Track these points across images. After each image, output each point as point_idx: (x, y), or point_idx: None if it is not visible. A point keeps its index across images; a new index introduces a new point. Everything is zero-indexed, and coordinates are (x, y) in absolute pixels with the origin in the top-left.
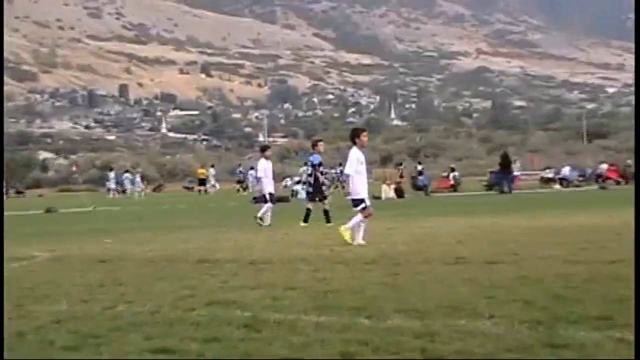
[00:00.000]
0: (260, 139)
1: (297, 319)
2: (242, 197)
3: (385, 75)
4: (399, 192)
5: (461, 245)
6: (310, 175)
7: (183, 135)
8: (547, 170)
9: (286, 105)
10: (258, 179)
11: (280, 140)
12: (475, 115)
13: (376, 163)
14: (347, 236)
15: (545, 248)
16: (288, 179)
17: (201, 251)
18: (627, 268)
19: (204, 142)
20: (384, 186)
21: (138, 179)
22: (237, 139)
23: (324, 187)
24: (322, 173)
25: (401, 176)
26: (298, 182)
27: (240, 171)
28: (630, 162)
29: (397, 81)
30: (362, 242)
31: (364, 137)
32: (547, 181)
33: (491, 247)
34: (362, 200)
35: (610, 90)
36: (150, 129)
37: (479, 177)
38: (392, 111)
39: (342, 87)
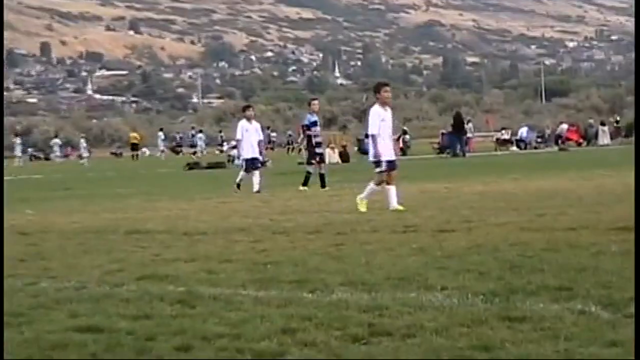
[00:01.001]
0: (194, 100)
1: (234, 293)
2: (178, 163)
3: (328, 31)
4: (344, 156)
5: (410, 212)
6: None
7: (110, 97)
8: (503, 132)
9: (222, 64)
10: (237, 142)
11: (216, 102)
12: (425, 72)
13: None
14: (362, 207)
15: (500, 215)
16: (225, 143)
17: (131, 221)
18: (588, 236)
19: (134, 105)
20: (329, 150)
21: (84, 143)
22: (169, 101)
23: (318, 149)
24: (316, 135)
25: (404, 142)
26: (235, 147)
27: (192, 134)
28: (592, 121)
29: (341, 37)
30: (399, 207)
31: (385, 93)
32: (503, 143)
33: (443, 214)
34: (381, 163)
35: (570, 44)
36: (75, 91)
37: (430, 139)
38: (336, 69)
39: (281, 43)
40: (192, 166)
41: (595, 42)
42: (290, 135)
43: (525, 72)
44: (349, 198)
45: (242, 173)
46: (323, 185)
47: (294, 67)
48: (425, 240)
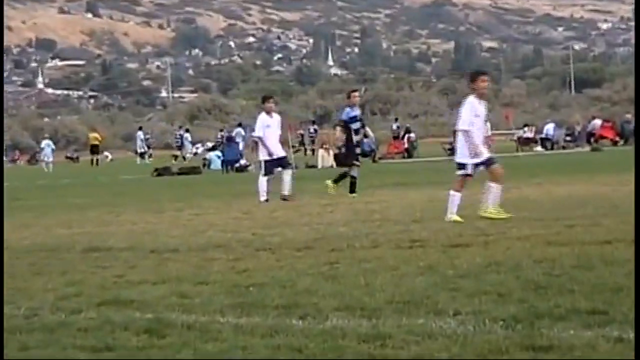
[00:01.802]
0: (163, 94)
1: (211, 320)
2: (145, 168)
3: (319, 12)
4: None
5: (417, 224)
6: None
7: (65, 92)
8: (526, 129)
9: (195, 52)
10: (259, 139)
11: (188, 96)
12: (434, 60)
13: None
14: (494, 214)
15: (522, 226)
16: (199, 144)
17: (89, 237)
18: (625, 250)
19: (92, 100)
20: (322, 152)
21: (52, 146)
22: (133, 96)
23: (357, 150)
24: (356, 131)
25: (410, 142)
26: (212, 149)
27: (180, 135)
28: (630, 116)
29: (335, 18)
30: (456, 217)
31: (482, 83)
32: (525, 142)
33: (455, 227)
34: (466, 166)
35: (604, 26)
36: (23, 84)
37: (440, 138)
38: (330, 57)
39: (265, 27)
40: (160, 172)
41: (632, 23)
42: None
43: (551, 59)
44: (344, 208)
45: (262, 179)
46: (353, 190)
47: (279, 55)
48: (434, 257)
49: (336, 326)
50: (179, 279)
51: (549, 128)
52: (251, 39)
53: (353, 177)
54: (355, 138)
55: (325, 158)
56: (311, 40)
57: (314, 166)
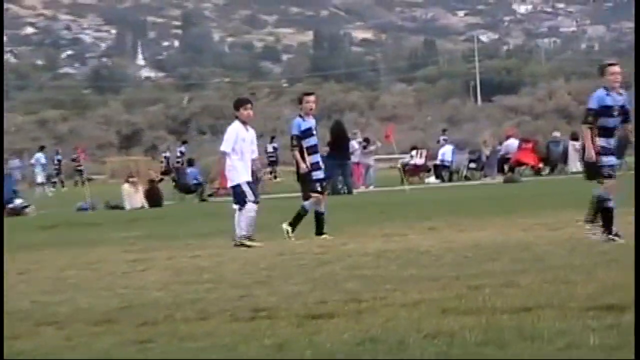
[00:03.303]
0: None
1: None
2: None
3: None
4: (153, 196)
5: (263, 287)
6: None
7: None
8: (414, 153)
9: None
10: (227, 155)
11: None
12: (286, 57)
13: (111, 147)
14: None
15: (409, 288)
16: None
17: None
18: (553, 320)
19: None
20: (126, 187)
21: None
22: None
23: (318, 174)
24: (313, 150)
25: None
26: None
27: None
28: (559, 134)
29: (148, 1)
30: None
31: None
32: (414, 171)
33: (315, 290)
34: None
35: (521, 8)
36: None
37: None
38: (139, 53)
39: (48, 13)
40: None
41: (561, 5)
42: (57, 162)
43: (449, 55)
44: (161, 264)
45: (248, 209)
46: (320, 231)
47: (69, 52)
48: (285, 333)
49: None
50: None
51: (446, 152)
52: (29, 30)
53: (319, 213)
54: (311, 158)
55: (131, 195)
56: (113, 31)
57: (118, 207)
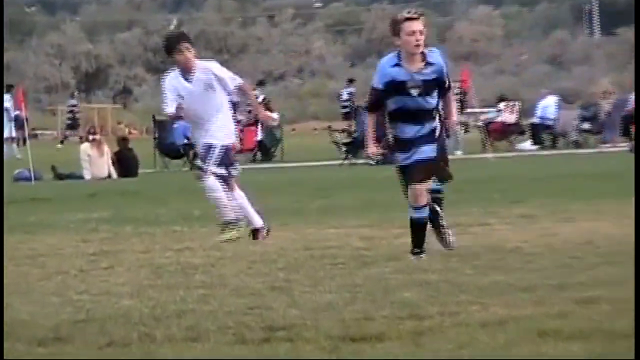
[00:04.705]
0: None
1: None
2: None
3: None
4: (124, 160)
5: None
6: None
7: None
8: (503, 106)
9: None
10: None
11: None
12: None
13: (66, 89)
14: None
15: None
16: None
17: None
18: None
19: None
20: (86, 147)
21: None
22: None
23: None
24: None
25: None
26: None
27: None
28: None
29: None
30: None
31: None
32: (501, 132)
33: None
34: None
35: None
36: None
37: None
38: None
39: None
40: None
41: None
42: None
43: None
44: (131, 261)
45: (209, 183)
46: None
47: None
48: None
49: None
50: None
51: (548, 106)
52: None
53: None
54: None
55: (93, 160)
56: None
57: (74, 176)
